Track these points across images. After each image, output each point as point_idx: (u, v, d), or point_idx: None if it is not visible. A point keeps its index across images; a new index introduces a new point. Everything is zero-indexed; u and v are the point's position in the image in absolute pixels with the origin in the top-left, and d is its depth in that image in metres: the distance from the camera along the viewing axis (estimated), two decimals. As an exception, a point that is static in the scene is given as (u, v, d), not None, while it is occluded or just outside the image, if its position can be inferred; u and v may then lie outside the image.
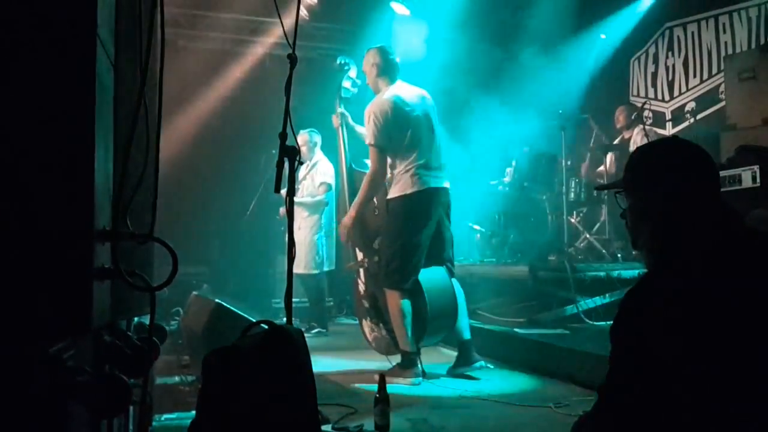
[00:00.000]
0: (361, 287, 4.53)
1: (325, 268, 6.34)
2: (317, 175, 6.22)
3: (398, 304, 4.05)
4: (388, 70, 4.28)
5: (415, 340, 4.08)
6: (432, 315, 4.08)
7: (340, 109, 4.60)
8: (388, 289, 4.11)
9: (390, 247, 4.12)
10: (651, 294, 1.53)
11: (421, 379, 4.02)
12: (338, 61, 4.64)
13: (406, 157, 4.12)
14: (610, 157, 6.78)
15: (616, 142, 6.94)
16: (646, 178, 1.65)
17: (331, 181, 6.23)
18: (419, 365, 4.06)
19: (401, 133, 4.11)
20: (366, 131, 4.18)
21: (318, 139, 6.39)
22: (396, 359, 4.18)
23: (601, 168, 6.79)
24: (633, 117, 6.88)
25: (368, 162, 4.26)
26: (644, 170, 1.67)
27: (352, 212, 4.22)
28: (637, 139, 6.82)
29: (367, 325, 4.52)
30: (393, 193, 4.14)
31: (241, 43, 8.23)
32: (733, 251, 1.53)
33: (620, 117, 7.04)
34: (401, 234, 4.09)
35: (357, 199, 4.21)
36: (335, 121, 4.62)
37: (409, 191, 4.09)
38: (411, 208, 4.10)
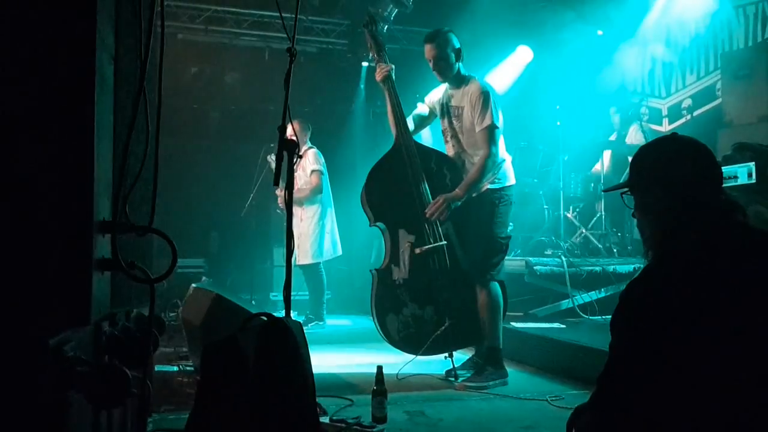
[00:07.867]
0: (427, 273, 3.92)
1: (330, 256, 6.32)
2: (307, 164, 6.21)
3: (498, 297, 3.84)
4: (463, 57, 3.98)
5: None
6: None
7: (389, 64, 4.02)
8: (487, 281, 3.82)
9: (497, 238, 3.87)
10: (652, 285, 1.55)
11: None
12: (370, 12, 4.18)
13: (503, 147, 4.01)
14: (606, 154, 6.79)
15: (612, 138, 6.95)
16: (648, 175, 1.68)
17: (321, 167, 6.22)
18: None
19: (502, 120, 3.95)
20: (483, 112, 3.82)
21: (309, 130, 6.37)
22: (403, 358, 3.94)
23: (597, 165, 6.80)
24: (629, 114, 6.89)
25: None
26: (645, 168, 1.70)
27: (461, 192, 3.81)
28: (633, 136, 6.84)
29: (395, 320, 3.92)
30: (501, 181, 3.95)
31: (240, 36, 8.23)
32: (733, 243, 1.55)
33: (615, 114, 7.05)
34: (505, 225, 3.96)
35: (470, 179, 3.83)
36: (381, 73, 4.01)
37: (513, 182, 4.04)
38: (513, 199, 4.04)
